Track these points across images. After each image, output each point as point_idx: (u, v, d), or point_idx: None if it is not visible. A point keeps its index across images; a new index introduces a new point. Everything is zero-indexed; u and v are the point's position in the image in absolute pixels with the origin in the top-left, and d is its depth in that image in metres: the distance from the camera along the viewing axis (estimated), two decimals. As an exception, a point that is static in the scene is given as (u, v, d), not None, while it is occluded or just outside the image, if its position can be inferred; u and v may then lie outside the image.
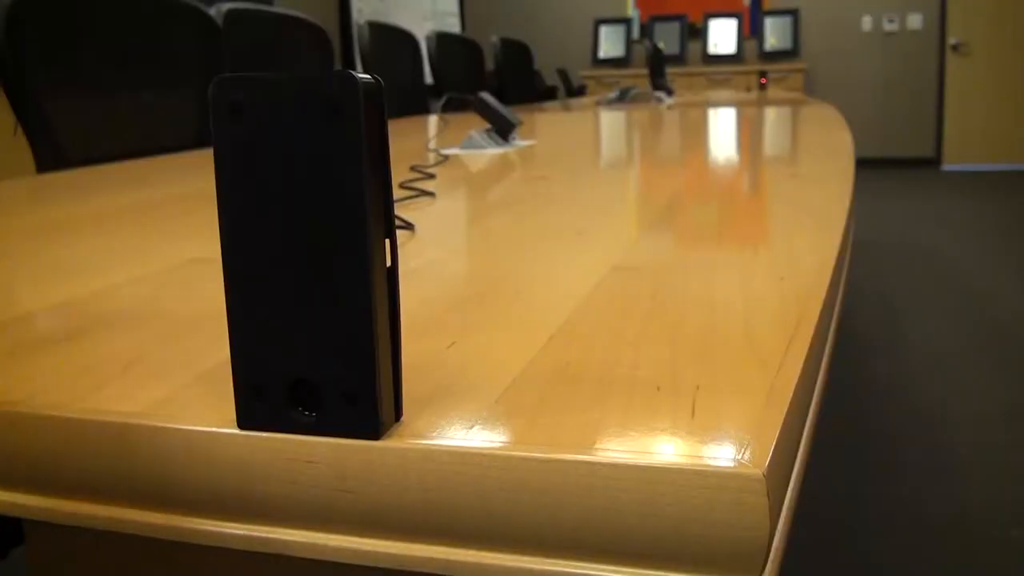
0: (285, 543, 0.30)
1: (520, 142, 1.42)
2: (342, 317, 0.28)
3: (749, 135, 1.46)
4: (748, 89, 4.31)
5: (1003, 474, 1.86)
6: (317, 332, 0.29)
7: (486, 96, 1.39)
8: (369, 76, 0.28)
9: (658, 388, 0.32)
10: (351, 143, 0.27)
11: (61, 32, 1.32)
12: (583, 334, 0.39)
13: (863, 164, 7.16)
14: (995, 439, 2.03)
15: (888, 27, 7.06)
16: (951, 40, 6.86)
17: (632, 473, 0.26)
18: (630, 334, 0.39)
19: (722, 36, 7.34)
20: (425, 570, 0.29)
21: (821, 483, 1.86)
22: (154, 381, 0.35)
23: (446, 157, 1.20)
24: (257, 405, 0.30)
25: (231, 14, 1.69)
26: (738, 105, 2.44)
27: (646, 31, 7.48)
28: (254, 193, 0.28)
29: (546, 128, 1.78)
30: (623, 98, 3.10)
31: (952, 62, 6.90)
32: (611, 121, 1.99)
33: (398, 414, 0.30)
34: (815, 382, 0.39)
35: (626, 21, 7.56)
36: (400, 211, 0.76)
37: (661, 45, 7.08)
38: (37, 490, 0.33)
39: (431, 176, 0.98)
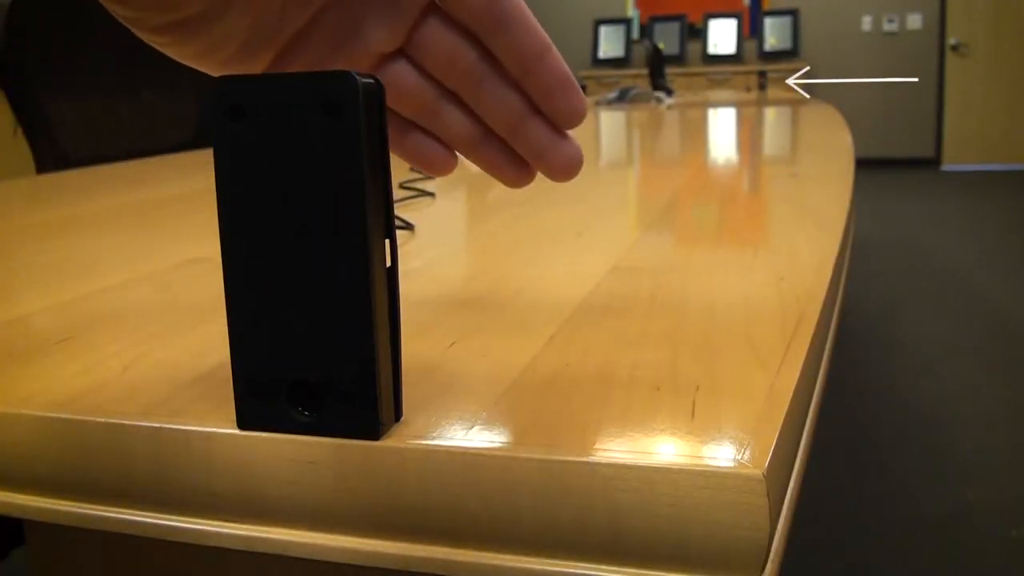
0: (285, 543, 0.30)
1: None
2: (342, 317, 0.28)
3: (749, 135, 1.46)
4: (748, 89, 4.32)
5: (1003, 474, 1.86)
6: (317, 332, 0.29)
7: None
8: (369, 76, 0.28)
9: (658, 388, 0.32)
10: (351, 143, 0.27)
11: (61, 32, 1.32)
12: (583, 334, 0.39)
13: (863, 164, 7.17)
14: (995, 439, 2.03)
15: (888, 27, 7.06)
16: (951, 40, 6.86)
17: (632, 473, 0.26)
18: (630, 334, 0.39)
19: (722, 36, 7.34)
20: (425, 570, 0.29)
21: (821, 483, 1.86)
22: (154, 381, 0.35)
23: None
24: (257, 405, 0.30)
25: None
26: (738, 105, 2.44)
27: (646, 31, 7.48)
28: (254, 193, 0.28)
29: (546, 128, 1.78)
30: (623, 98, 3.10)
31: (952, 62, 6.90)
32: (611, 121, 1.99)
33: (398, 414, 0.30)
34: (815, 382, 0.39)
35: (626, 21, 7.56)
36: (400, 211, 0.76)
37: (661, 45, 7.09)
38: (37, 490, 0.33)
39: (431, 176, 0.98)
